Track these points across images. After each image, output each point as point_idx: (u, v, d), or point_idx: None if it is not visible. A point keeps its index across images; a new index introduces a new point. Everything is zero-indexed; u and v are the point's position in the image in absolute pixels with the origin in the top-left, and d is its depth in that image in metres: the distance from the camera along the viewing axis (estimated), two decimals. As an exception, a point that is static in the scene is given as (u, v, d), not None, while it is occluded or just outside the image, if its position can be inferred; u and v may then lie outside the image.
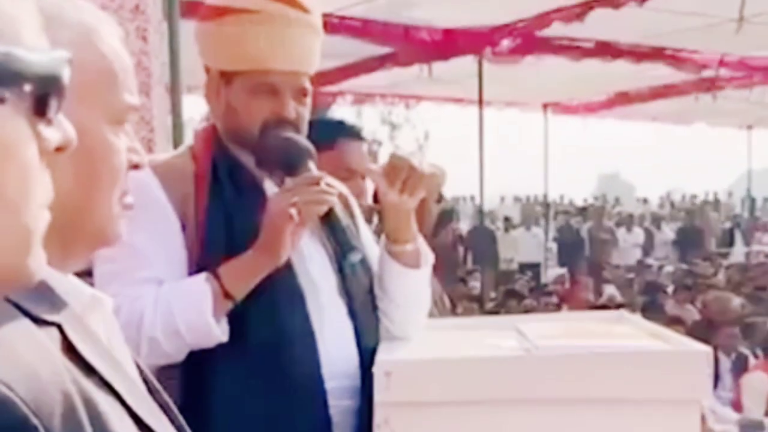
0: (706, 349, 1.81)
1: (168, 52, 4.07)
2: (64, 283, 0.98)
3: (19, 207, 0.66)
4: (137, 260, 1.89)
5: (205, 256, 1.94)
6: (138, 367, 1.13)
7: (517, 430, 1.80)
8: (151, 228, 1.91)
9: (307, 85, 2.05)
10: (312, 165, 1.96)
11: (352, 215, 2.16)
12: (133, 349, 1.80)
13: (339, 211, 2.02)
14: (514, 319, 2.35)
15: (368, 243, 2.18)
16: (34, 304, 0.89)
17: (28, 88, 0.65)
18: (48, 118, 0.68)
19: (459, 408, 1.77)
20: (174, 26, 4.10)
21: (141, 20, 3.89)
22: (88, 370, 0.89)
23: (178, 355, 1.90)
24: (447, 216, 4.56)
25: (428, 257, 2.14)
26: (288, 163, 1.97)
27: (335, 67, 11.01)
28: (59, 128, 0.71)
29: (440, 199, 4.37)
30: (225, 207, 1.98)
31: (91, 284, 1.68)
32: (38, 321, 0.88)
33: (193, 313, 1.86)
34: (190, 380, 1.92)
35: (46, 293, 0.94)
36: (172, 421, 1.09)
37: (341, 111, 13.58)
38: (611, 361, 1.81)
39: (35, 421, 0.76)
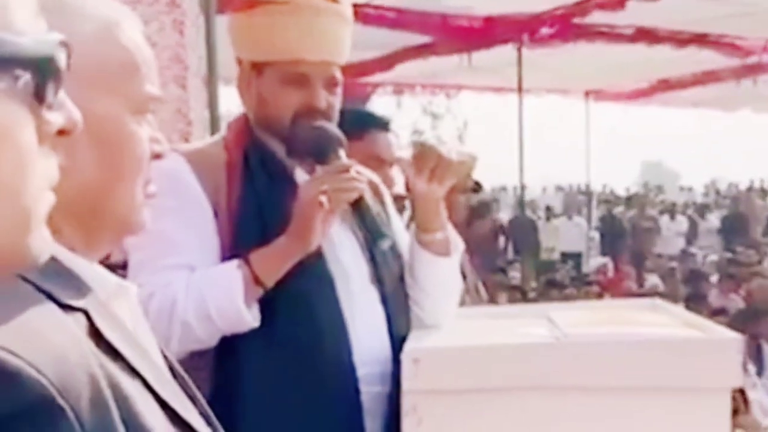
0: (736, 337, 1.80)
1: (205, 45, 4.10)
2: (90, 271, 1.00)
3: (16, 189, 0.67)
4: (170, 247, 1.93)
5: (237, 244, 1.96)
6: (163, 354, 1.15)
7: (545, 418, 1.80)
8: (183, 215, 1.95)
9: (338, 74, 2.07)
10: (342, 153, 1.98)
11: (382, 203, 2.17)
12: (166, 334, 1.84)
13: (369, 198, 2.04)
14: (545, 308, 2.35)
15: (399, 231, 2.19)
16: (61, 291, 0.91)
17: (19, 72, 0.66)
18: (46, 101, 0.69)
19: (487, 395, 1.78)
20: (210, 19, 4.13)
21: (177, 13, 3.92)
22: (114, 354, 0.90)
23: (211, 341, 1.92)
24: (484, 206, 4.56)
25: (458, 245, 2.15)
26: (318, 152, 1.99)
27: (374, 57, 11.02)
28: (62, 111, 0.72)
29: (477, 189, 4.36)
30: (257, 195, 2.00)
31: (124, 276, 1.70)
32: (65, 307, 0.90)
33: (225, 299, 1.88)
34: (221, 367, 1.94)
35: (71, 280, 0.96)
36: (198, 408, 1.11)
37: (381, 101, 13.59)
38: (640, 349, 1.80)
39: (63, 402, 0.78)
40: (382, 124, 2.75)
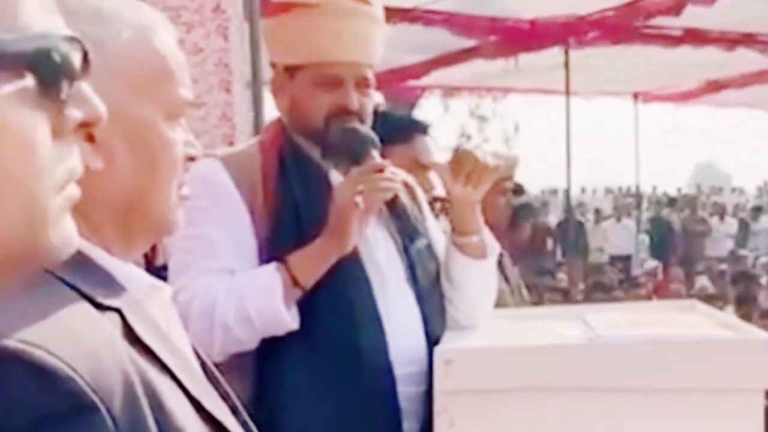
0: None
1: (249, 50, 4.15)
2: (124, 271, 1.03)
3: (27, 187, 0.67)
4: (209, 251, 1.96)
5: (275, 246, 1.99)
6: (197, 354, 1.18)
7: (577, 419, 1.81)
8: (221, 219, 1.98)
9: (370, 75, 2.09)
10: (376, 153, 2.00)
11: (418, 204, 2.19)
12: (207, 337, 1.88)
13: (404, 199, 2.06)
14: (581, 309, 2.36)
15: (434, 232, 2.21)
16: (95, 290, 0.93)
17: (19, 69, 0.66)
18: (59, 96, 0.69)
19: (518, 396, 1.79)
20: (255, 24, 4.17)
21: (222, 19, 3.98)
22: (148, 353, 0.92)
23: (251, 343, 1.95)
24: (527, 208, 4.54)
25: (494, 248, 2.16)
26: (352, 153, 2.01)
27: (422, 61, 11.03)
28: (82, 105, 0.72)
29: (519, 191, 4.36)
30: (293, 197, 2.03)
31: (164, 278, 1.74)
32: (99, 306, 0.92)
33: (264, 301, 1.91)
34: (261, 369, 1.97)
35: (106, 280, 0.98)
36: (231, 407, 1.13)
37: (429, 105, 13.58)
38: (673, 350, 1.81)
39: (96, 400, 0.80)
40: (422, 128, 2.77)
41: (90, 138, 0.97)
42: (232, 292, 1.93)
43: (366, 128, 2.05)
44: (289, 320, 1.93)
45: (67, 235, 0.71)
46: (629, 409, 1.80)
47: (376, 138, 2.02)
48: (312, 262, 1.96)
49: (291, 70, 2.09)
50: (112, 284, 0.99)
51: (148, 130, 1.05)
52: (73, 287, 0.92)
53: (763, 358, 1.75)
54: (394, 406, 1.97)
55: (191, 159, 1.13)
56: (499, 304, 3.17)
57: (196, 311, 1.90)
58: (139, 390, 0.86)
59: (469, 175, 2.07)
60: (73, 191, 0.73)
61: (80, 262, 0.93)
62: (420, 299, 2.09)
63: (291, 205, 2.02)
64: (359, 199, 1.92)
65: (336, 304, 1.97)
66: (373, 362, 1.97)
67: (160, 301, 1.11)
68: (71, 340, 0.83)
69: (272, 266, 1.95)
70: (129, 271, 1.04)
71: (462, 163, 2.08)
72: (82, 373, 0.80)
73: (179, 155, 1.09)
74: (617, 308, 2.49)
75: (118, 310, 0.94)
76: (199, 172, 1.90)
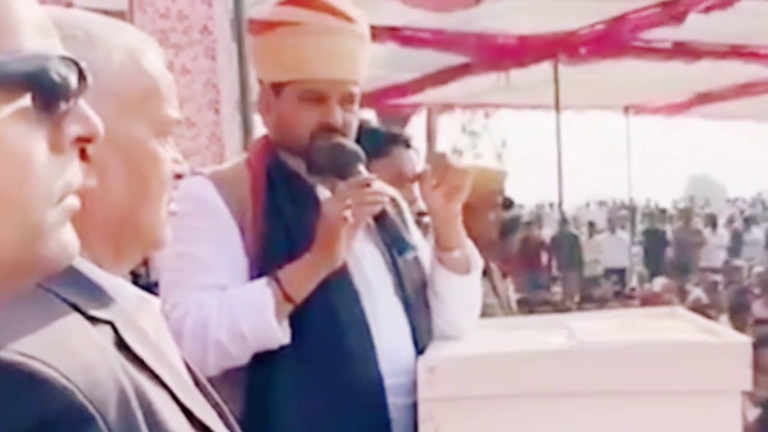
0: (745, 340, 1.83)
1: (237, 71, 4.19)
2: (114, 285, 1.06)
3: (25, 198, 0.70)
4: (201, 267, 1.99)
5: (265, 262, 2.01)
6: (187, 366, 1.20)
7: (561, 424, 1.83)
8: (212, 236, 2.01)
9: (355, 92, 2.12)
10: (362, 168, 2.03)
11: (403, 218, 2.23)
12: (201, 354, 1.90)
13: (390, 212, 2.10)
14: (566, 318, 2.39)
15: (420, 244, 2.24)
16: (87, 303, 0.96)
17: (16, 88, 0.69)
18: (56, 113, 0.72)
19: (502, 402, 1.82)
20: (243, 45, 4.22)
21: (209, 40, 4.03)
22: (141, 365, 0.94)
23: (243, 359, 1.97)
24: (515, 222, 4.58)
25: (477, 263, 2.19)
26: (338, 168, 2.04)
27: (412, 79, 11.10)
28: (80, 121, 0.76)
29: (508, 204, 4.39)
30: (281, 213, 2.06)
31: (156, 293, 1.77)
32: (91, 318, 0.94)
33: (256, 317, 1.94)
34: (252, 380, 2.00)
35: (97, 293, 1.01)
36: (223, 419, 1.16)
37: (420, 122, 13.62)
38: (652, 354, 1.84)
39: (93, 410, 0.82)
40: (404, 141, 2.81)
41: (84, 156, 1.00)
42: (225, 309, 1.95)
43: (351, 143, 2.08)
44: (281, 335, 1.95)
45: (67, 244, 0.74)
46: (611, 413, 1.83)
47: (361, 153, 2.05)
48: (302, 276, 1.98)
49: (277, 87, 2.12)
50: (102, 297, 1.02)
51: (139, 148, 1.09)
52: (65, 300, 0.94)
53: (741, 360, 1.78)
54: (384, 417, 1.99)
55: (179, 176, 1.16)
56: (489, 316, 3.20)
57: (189, 329, 1.92)
58: (134, 401, 0.88)
59: (443, 179, 2.10)
60: (72, 202, 0.76)
61: (71, 275, 0.96)
62: (408, 311, 2.11)
63: (280, 221, 2.05)
64: (348, 213, 1.95)
65: (325, 317, 2.00)
66: (363, 373, 2.00)
67: (150, 313, 1.14)
68: (66, 352, 0.84)
69: (263, 281, 1.98)
70: (118, 284, 1.07)
71: (436, 167, 2.11)
72: (78, 384, 0.82)
73: (168, 172, 1.13)
74: (601, 316, 2.52)
75: (110, 323, 0.96)
76: (189, 189, 1.94)
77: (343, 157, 2.05)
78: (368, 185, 2.00)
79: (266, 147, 2.16)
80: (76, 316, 0.93)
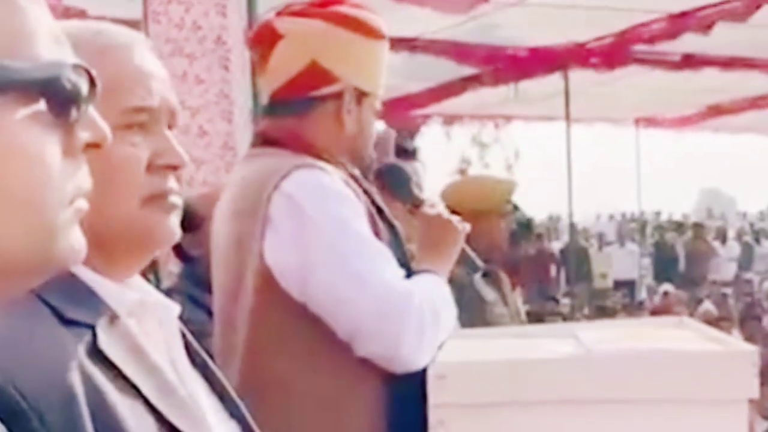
0: (752, 349, 1.85)
1: (250, 81, 4.22)
2: (109, 289, 1.06)
3: (39, 200, 0.72)
4: (386, 256, 1.98)
5: None
6: (211, 371, 1.19)
7: (568, 431, 1.86)
8: (365, 226, 1.99)
9: None
10: (418, 191, 2.18)
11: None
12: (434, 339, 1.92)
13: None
14: (574, 326, 2.42)
15: None
16: (69, 307, 0.98)
17: (32, 94, 0.72)
18: (69, 118, 0.75)
19: (511, 409, 1.85)
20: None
21: (223, 50, 4.06)
22: (115, 372, 0.97)
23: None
24: (525, 230, 4.58)
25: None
26: (401, 188, 2.17)
27: (424, 89, 11.13)
28: (89, 128, 0.77)
29: (519, 214, 4.40)
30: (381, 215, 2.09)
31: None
32: (67, 321, 0.97)
33: (449, 311, 2.05)
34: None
35: (86, 297, 1.02)
36: (244, 426, 1.17)
37: (431, 132, 13.65)
38: (660, 362, 1.86)
39: (28, 410, 0.86)
40: (410, 154, 2.86)
41: None
42: (442, 301, 2.01)
43: (404, 164, 2.22)
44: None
45: (76, 245, 0.77)
46: (619, 420, 1.85)
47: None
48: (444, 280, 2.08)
49: (360, 95, 2.07)
50: (91, 301, 1.02)
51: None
52: (45, 303, 0.96)
53: (747, 369, 1.80)
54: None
55: (174, 168, 1.13)
56: (498, 326, 3.23)
57: (427, 316, 1.92)
58: (82, 405, 0.90)
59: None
60: (82, 204, 0.78)
61: (62, 278, 0.94)
62: None
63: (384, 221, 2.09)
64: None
65: None
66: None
67: (160, 318, 1.13)
68: (17, 352, 0.88)
69: (434, 277, 2.05)
70: (114, 289, 1.07)
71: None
72: (19, 386, 0.85)
73: (138, 165, 1.09)
74: (609, 325, 2.54)
75: (91, 326, 0.98)
76: (330, 187, 1.94)
77: (403, 179, 2.16)
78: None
79: (316, 150, 2.04)
80: (47, 319, 0.95)
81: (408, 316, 1.87)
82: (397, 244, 2.05)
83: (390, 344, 1.88)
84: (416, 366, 1.89)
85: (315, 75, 2.02)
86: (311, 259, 1.89)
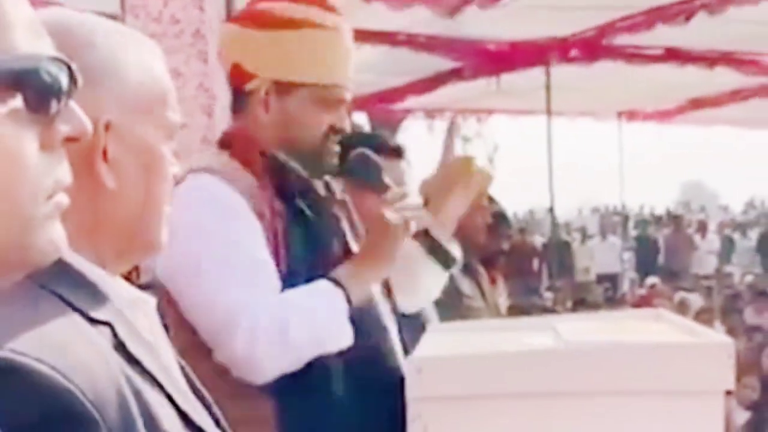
0: (728, 341, 1.86)
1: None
2: (109, 283, 1.07)
3: (15, 194, 0.72)
4: (260, 267, 1.97)
5: (288, 264, 2.00)
6: (181, 367, 1.21)
7: (546, 423, 1.86)
8: (254, 236, 1.98)
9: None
10: (389, 180, 2.12)
11: None
12: (275, 355, 1.86)
13: None
14: (552, 319, 2.42)
15: None
16: (86, 303, 0.97)
17: (9, 87, 0.72)
18: (48, 112, 0.74)
19: (489, 401, 1.84)
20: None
21: (201, 44, 4.04)
22: (138, 367, 0.96)
23: (303, 362, 1.93)
24: (503, 222, 4.57)
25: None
26: (367, 178, 2.14)
27: (405, 83, 11.13)
28: (70, 121, 0.77)
29: (495, 206, 4.39)
30: (301, 215, 2.05)
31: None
32: (90, 319, 0.96)
33: (334, 321, 1.95)
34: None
35: (95, 293, 1.02)
36: (215, 420, 1.17)
37: (413, 126, 13.67)
38: (636, 354, 1.87)
39: (94, 411, 0.83)
40: (395, 152, 2.82)
41: (105, 158, 1.03)
42: (303, 312, 1.93)
43: (373, 154, 2.19)
44: (349, 339, 1.96)
45: (55, 239, 0.76)
46: (596, 412, 1.85)
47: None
48: (363, 281, 2.01)
49: (285, 87, 2.06)
50: (100, 297, 1.03)
51: (152, 151, 1.11)
52: (66, 302, 0.96)
53: (723, 361, 1.81)
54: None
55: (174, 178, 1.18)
56: (476, 319, 3.23)
57: (264, 333, 1.89)
58: (133, 404, 0.90)
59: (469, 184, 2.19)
60: (62, 199, 0.78)
61: (73, 276, 0.98)
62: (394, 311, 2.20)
63: (300, 222, 2.04)
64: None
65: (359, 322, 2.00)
66: (387, 366, 2.04)
67: (144, 311, 1.14)
68: (67, 354, 0.86)
69: (329, 285, 1.97)
70: (113, 284, 1.08)
71: (460, 170, 2.20)
72: (81, 386, 0.83)
73: (172, 175, 1.16)
74: (586, 318, 2.55)
75: (108, 324, 0.98)
76: (215, 192, 1.95)
77: (371, 168, 2.11)
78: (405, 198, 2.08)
79: (252, 145, 2.07)
80: (76, 318, 0.94)
81: (233, 334, 1.87)
82: (321, 252, 2.03)
83: (225, 357, 1.91)
84: (263, 378, 1.90)
85: (237, 75, 2.11)
86: (169, 265, 1.95)
